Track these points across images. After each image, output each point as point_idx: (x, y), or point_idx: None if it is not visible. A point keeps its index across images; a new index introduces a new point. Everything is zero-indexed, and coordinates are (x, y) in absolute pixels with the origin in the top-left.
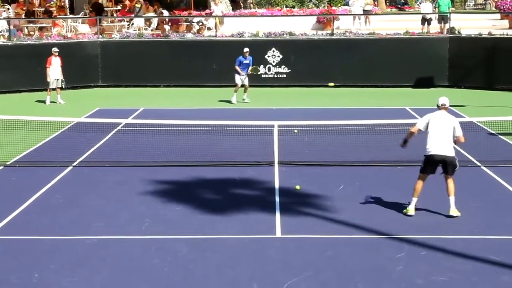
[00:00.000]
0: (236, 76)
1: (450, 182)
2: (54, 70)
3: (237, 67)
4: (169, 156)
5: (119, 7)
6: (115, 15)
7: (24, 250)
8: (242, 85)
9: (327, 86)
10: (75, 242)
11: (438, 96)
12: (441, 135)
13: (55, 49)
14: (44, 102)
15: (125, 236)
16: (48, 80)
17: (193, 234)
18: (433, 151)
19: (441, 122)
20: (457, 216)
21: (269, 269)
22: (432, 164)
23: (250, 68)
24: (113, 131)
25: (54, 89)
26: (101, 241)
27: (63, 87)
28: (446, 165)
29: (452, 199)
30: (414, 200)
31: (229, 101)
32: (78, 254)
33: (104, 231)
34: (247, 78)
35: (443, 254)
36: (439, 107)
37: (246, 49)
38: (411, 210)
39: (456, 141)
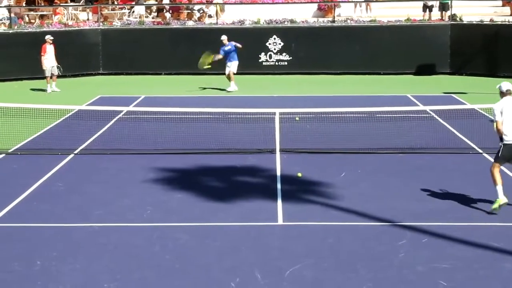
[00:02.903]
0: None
1: None
2: (49, 58)
3: (219, 55)
4: (170, 143)
5: None
6: (116, 2)
7: (26, 238)
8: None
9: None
10: (76, 229)
11: (440, 83)
12: None
13: (49, 37)
14: (45, 90)
15: (126, 224)
16: (44, 68)
17: (194, 221)
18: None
19: None
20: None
21: (271, 256)
22: (511, 152)
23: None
24: (115, 119)
25: (51, 77)
26: (102, 229)
27: (60, 73)
28: None
29: None
30: (500, 187)
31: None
32: (79, 242)
33: (105, 219)
34: (234, 65)
35: (445, 241)
36: (504, 93)
37: (222, 37)
38: (502, 199)
39: None
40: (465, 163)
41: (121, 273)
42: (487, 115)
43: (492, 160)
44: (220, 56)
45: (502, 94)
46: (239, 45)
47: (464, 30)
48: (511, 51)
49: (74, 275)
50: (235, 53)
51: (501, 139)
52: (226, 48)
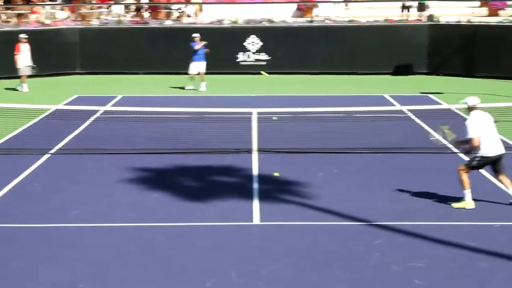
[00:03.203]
0: (192, 64)
1: (505, 177)
2: (24, 57)
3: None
4: (148, 143)
5: None
6: (93, 1)
7: (1, 238)
8: (198, 73)
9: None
10: (53, 230)
11: (418, 83)
12: (492, 134)
13: (22, 36)
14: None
15: (103, 224)
16: (18, 67)
17: (171, 221)
18: (491, 152)
19: (486, 121)
20: None
21: (247, 256)
22: (486, 164)
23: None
24: (92, 119)
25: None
26: (79, 229)
27: (34, 73)
28: (499, 163)
29: None
30: (469, 191)
31: (187, 89)
32: (56, 242)
33: (82, 219)
34: (203, 65)
35: (421, 240)
36: (471, 108)
37: (194, 35)
38: (470, 203)
39: None
40: (441, 162)
41: (97, 274)
42: (463, 115)
43: (461, 164)
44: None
45: (470, 109)
46: (206, 49)
47: (441, 31)
48: (488, 51)
49: (52, 275)
50: (204, 54)
51: (469, 151)
52: (198, 47)
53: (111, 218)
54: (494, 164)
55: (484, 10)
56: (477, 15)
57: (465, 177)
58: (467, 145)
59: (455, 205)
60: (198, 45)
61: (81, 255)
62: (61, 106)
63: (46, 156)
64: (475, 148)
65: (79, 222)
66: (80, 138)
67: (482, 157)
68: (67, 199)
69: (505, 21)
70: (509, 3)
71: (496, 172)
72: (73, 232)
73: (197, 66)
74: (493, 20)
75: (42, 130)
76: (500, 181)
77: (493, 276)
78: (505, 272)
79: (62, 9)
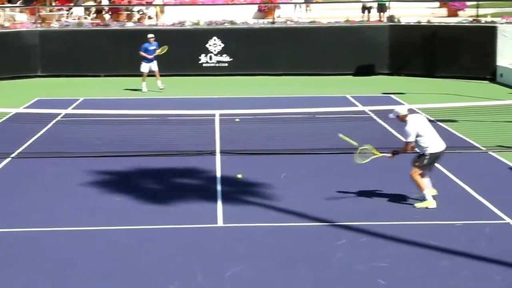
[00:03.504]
0: (142, 64)
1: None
2: None
3: (142, 53)
4: (110, 146)
5: None
6: (53, 3)
7: None
8: (151, 72)
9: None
10: (13, 234)
11: (379, 84)
12: (433, 132)
13: None
14: None
15: (64, 228)
16: None
17: (134, 224)
18: (437, 148)
19: (423, 122)
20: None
21: (211, 258)
22: (435, 160)
23: (158, 50)
24: (53, 122)
25: None
26: (40, 233)
27: None
28: (440, 158)
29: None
30: (427, 192)
31: (144, 90)
32: (16, 247)
33: (43, 223)
34: (155, 64)
35: (383, 240)
36: (405, 115)
37: (150, 35)
38: (432, 202)
39: None
40: (404, 162)
41: (59, 279)
42: (425, 115)
43: (412, 167)
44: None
45: (404, 116)
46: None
47: (402, 31)
48: (448, 51)
49: (13, 280)
50: (153, 53)
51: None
52: (151, 48)
53: (73, 222)
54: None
55: (444, 11)
56: (437, 15)
57: (419, 179)
58: (402, 151)
59: (418, 205)
60: (159, 50)
61: (42, 259)
62: (21, 110)
63: (7, 160)
64: (406, 151)
65: (40, 226)
66: (41, 141)
67: (431, 154)
68: (28, 203)
69: (464, 21)
70: (468, 3)
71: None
72: (34, 236)
73: (149, 66)
74: (452, 21)
75: (2, 134)
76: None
77: (455, 275)
78: (466, 270)
79: (21, 12)
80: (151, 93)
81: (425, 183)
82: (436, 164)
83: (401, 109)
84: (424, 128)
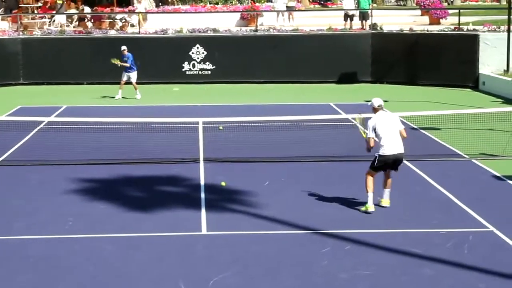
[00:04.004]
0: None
1: (389, 177)
2: None
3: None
4: (93, 154)
5: (40, 4)
6: (36, 11)
7: None
8: (129, 83)
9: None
10: None
11: (362, 92)
12: (391, 134)
13: None
14: None
15: (48, 236)
16: None
17: (118, 232)
18: (388, 151)
19: (387, 122)
20: (386, 206)
21: (195, 266)
22: (386, 163)
23: (115, 59)
24: (35, 130)
25: None
26: (23, 241)
27: None
28: (397, 162)
29: (388, 191)
30: (371, 195)
31: (117, 97)
32: (0, 255)
33: (26, 231)
34: (131, 76)
35: (367, 248)
36: (376, 109)
37: (122, 47)
38: (371, 206)
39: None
40: None
41: (44, 286)
42: (408, 123)
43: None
44: (127, 65)
45: (375, 109)
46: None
47: (384, 39)
48: (430, 59)
49: None
50: (134, 64)
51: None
52: (124, 59)
53: (57, 230)
54: (393, 164)
55: (426, 19)
56: (419, 23)
57: (369, 180)
58: (366, 144)
59: (362, 208)
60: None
61: (25, 267)
62: (3, 117)
63: None
64: (371, 148)
65: (23, 234)
66: (24, 149)
67: (380, 155)
68: (11, 211)
69: (446, 29)
70: (450, 12)
71: (387, 171)
72: (17, 244)
73: (128, 75)
74: (434, 29)
75: None
76: (385, 181)
77: (438, 283)
78: (450, 278)
79: (3, 19)
80: (134, 101)
81: (371, 185)
82: (394, 170)
83: (375, 101)
84: (381, 128)
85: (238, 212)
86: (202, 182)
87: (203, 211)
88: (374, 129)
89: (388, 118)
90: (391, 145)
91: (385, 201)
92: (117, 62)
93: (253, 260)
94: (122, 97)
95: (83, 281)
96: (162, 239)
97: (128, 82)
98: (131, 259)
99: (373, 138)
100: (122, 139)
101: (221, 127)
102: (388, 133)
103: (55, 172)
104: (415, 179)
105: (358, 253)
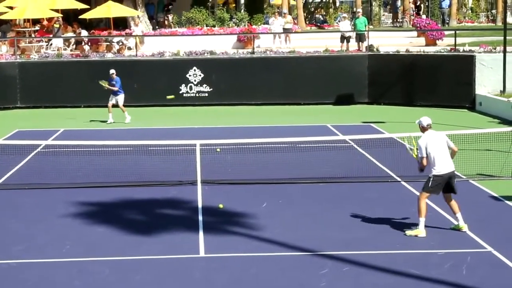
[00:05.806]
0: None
1: (454, 201)
2: None
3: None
4: (91, 177)
5: (37, 28)
6: (33, 35)
7: None
8: (116, 106)
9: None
10: None
11: (359, 113)
12: (443, 153)
13: None
14: None
15: (46, 260)
16: None
17: (115, 255)
18: (443, 170)
19: (437, 141)
20: (465, 231)
21: None
22: (441, 183)
23: (103, 82)
24: (33, 153)
25: None
26: (21, 265)
27: None
28: (452, 180)
29: (459, 215)
30: (423, 220)
31: (110, 121)
32: None
33: (24, 255)
34: (119, 99)
35: (366, 269)
36: (425, 128)
37: (111, 71)
38: (422, 231)
39: (452, 154)
40: (384, 191)
41: None
42: (405, 144)
43: (420, 191)
44: (115, 88)
45: (423, 129)
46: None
47: (381, 61)
48: (426, 80)
49: None
50: (121, 87)
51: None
52: (112, 83)
53: (55, 253)
54: (447, 184)
55: (422, 40)
56: (415, 44)
57: (423, 204)
58: (419, 165)
59: (408, 232)
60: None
61: None
62: (1, 141)
63: None
64: (424, 168)
65: (21, 258)
66: (21, 173)
67: (434, 175)
68: (9, 234)
69: (442, 50)
70: (446, 33)
71: (447, 193)
72: (15, 268)
73: (116, 99)
74: (431, 50)
75: None
76: (449, 205)
77: None
78: None
79: (1, 43)
80: (131, 123)
81: (424, 209)
82: (453, 193)
83: (424, 121)
84: (433, 147)
85: (236, 234)
86: (199, 205)
87: (201, 233)
88: (426, 149)
89: (437, 136)
90: (444, 164)
91: (463, 226)
92: (104, 84)
93: (251, 282)
94: (114, 122)
95: None
96: (161, 262)
97: (115, 105)
98: (130, 282)
99: (425, 157)
100: (119, 162)
101: (218, 149)
102: (440, 152)
103: (52, 196)
104: (413, 200)
105: (357, 274)
